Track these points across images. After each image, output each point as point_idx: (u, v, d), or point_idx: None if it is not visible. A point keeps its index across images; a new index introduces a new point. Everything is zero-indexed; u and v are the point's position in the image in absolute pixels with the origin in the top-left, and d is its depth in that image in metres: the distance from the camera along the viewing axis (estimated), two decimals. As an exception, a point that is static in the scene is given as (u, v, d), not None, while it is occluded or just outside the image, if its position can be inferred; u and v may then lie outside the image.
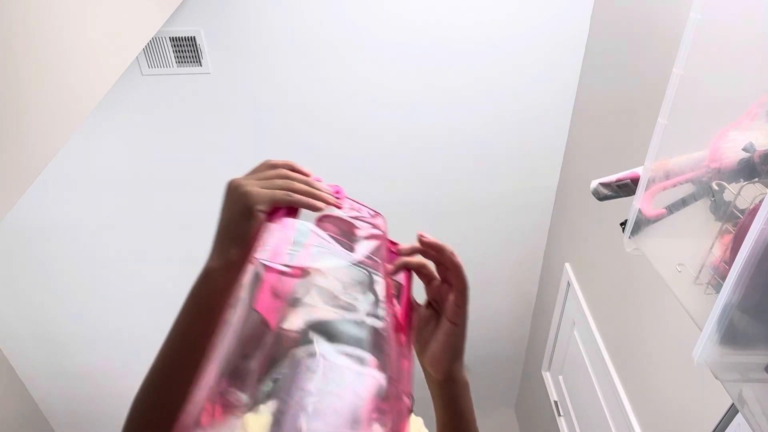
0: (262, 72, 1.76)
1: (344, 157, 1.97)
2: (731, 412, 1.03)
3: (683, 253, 0.70)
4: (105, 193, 1.98)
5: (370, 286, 0.51)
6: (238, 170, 1.97)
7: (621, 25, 1.54)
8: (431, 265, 0.58)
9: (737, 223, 0.59)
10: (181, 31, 1.66)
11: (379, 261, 0.53)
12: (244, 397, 0.44)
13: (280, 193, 0.53)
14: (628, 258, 1.47)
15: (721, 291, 0.54)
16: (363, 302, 0.50)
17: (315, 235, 0.53)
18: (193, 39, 1.67)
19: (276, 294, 0.47)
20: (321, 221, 0.57)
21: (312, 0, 1.65)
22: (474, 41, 1.74)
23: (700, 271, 0.65)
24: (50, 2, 0.75)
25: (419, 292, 0.59)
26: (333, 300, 0.49)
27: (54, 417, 2.61)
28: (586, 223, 1.84)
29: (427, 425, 0.81)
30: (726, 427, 1.04)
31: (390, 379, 0.46)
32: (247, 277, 0.46)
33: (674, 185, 0.72)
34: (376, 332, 0.49)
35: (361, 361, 0.46)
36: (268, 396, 0.46)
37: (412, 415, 0.83)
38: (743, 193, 0.59)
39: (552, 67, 1.81)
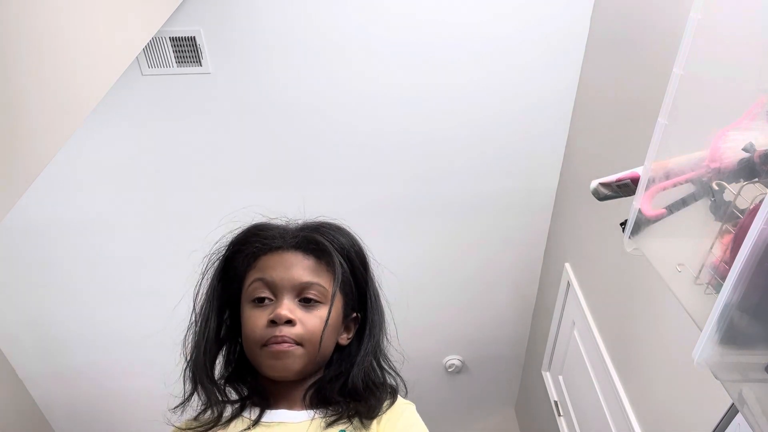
0: (262, 72, 1.76)
1: (344, 157, 1.97)
2: (731, 412, 1.03)
3: (683, 253, 0.70)
4: (105, 192, 1.98)
5: None
6: (238, 170, 1.99)
7: (621, 25, 1.54)
8: None
9: (737, 223, 0.59)
10: (181, 31, 1.66)
11: None
12: None
13: None
14: (628, 258, 1.47)
15: (721, 291, 0.54)
16: None
17: None
18: (193, 39, 1.67)
19: None
20: None
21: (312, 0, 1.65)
22: (473, 40, 1.74)
23: (700, 271, 0.65)
24: (50, 2, 0.75)
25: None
26: None
27: (54, 417, 2.61)
28: (586, 223, 1.84)
29: (421, 413, 0.81)
30: (726, 427, 1.04)
31: None
32: None
33: (674, 185, 0.72)
34: None
35: None
36: None
37: (404, 400, 0.82)
38: (743, 193, 0.59)
39: (552, 67, 1.81)
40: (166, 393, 0.85)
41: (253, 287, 0.80)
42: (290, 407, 0.79)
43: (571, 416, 2.08)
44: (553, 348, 2.23)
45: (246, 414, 0.78)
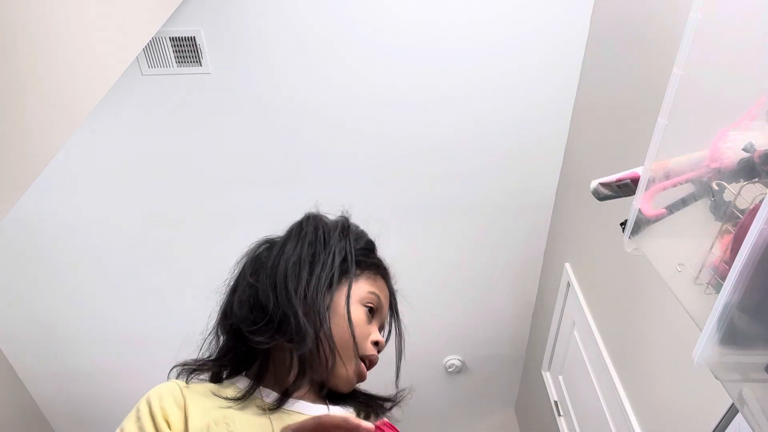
0: (262, 72, 1.76)
1: (343, 158, 1.97)
2: (731, 412, 1.03)
3: (683, 253, 0.70)
4: (105, 192, 1.98)
5: None
6: (238, 170, 1.98)
7: (621, 25, 1.54)
8: None
9: (737, 223, 0.59)
10: (181, 31, 1.66)
11: None
12: None
13: None
14: (628, 258, 1.47)
15: (721, 291, 0.54)
16: None
17: None
18: (193, 39, 1.67)
19: None
20: None
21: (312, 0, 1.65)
22: (474, 41, 1.74)
23: (700, 271, 0.65)
24: (50, 3, 0.75)
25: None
26: None
27: (54, 417, 2.61)
28: (586, 223, 1.84)
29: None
30: (726, 427, 1.04)
31: None
32: None
33: (674, 185, 0.72)
34: None
35: None
36: None
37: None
38: (743, 193, 0.59)
39: (552, 67, 1.81)
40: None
41: (370, 297, 0.81)
42: (304, 398, 0.79)
43: (571, 416, 2.08)
44: (553, 348, 2.23)
45: (258, 395, 0.75)
